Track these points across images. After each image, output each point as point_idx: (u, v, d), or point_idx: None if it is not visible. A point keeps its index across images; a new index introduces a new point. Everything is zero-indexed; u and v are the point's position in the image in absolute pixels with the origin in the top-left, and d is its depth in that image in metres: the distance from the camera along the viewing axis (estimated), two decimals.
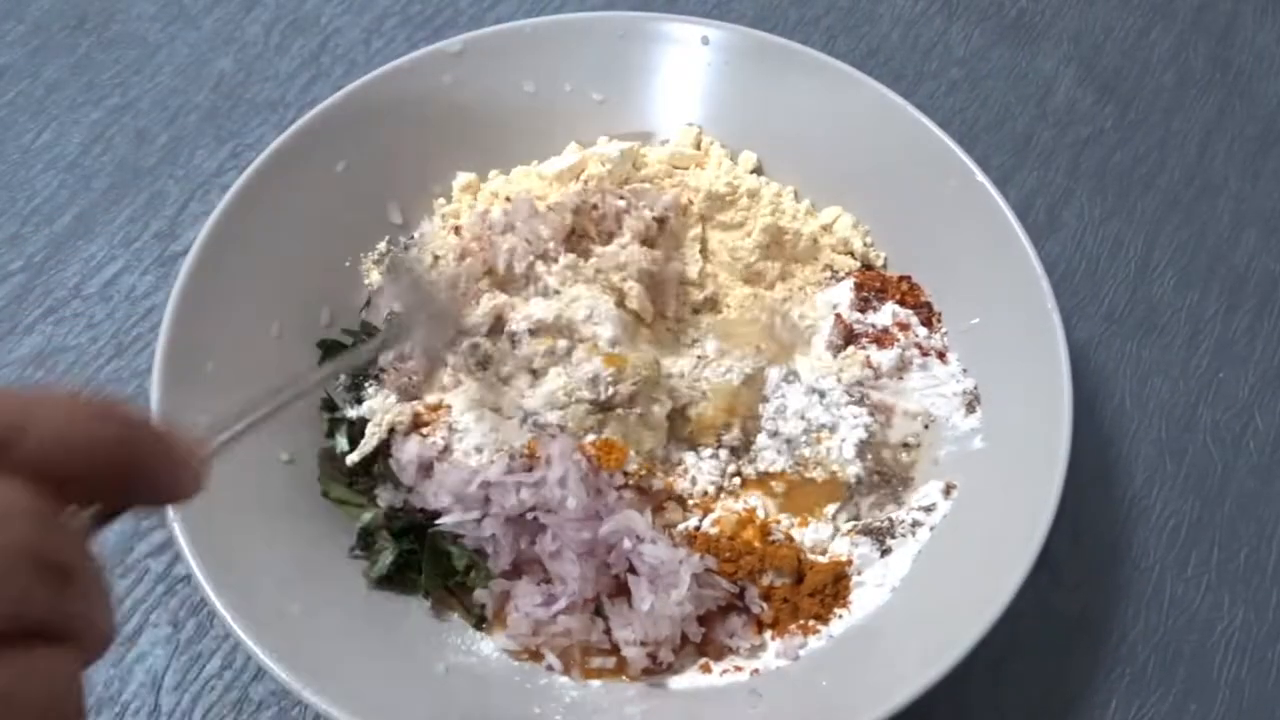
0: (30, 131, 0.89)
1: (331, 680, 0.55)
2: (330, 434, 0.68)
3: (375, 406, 0.68)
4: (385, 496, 0.65)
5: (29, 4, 0.97)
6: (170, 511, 0.59)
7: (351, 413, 0.68)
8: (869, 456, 0.68)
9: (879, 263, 0.78)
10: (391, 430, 0.66)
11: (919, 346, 0.73)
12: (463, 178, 0.78)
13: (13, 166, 0.87)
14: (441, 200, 0.78)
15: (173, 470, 0.29)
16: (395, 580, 0.64)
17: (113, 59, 0.94)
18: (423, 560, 0.63)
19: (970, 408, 0.70)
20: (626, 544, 0.60)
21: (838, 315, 0.73)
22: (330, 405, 0.70)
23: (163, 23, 0.96)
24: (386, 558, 0.63)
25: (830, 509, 0.67)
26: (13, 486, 0.25)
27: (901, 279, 0.76)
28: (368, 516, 0.65)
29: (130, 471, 0.28)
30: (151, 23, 0.96)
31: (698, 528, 0.64)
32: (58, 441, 0.26)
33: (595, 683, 0.61)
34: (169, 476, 0.29)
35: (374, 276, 0.75)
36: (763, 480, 0.68)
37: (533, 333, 0.67)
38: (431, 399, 0.68)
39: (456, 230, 0.75)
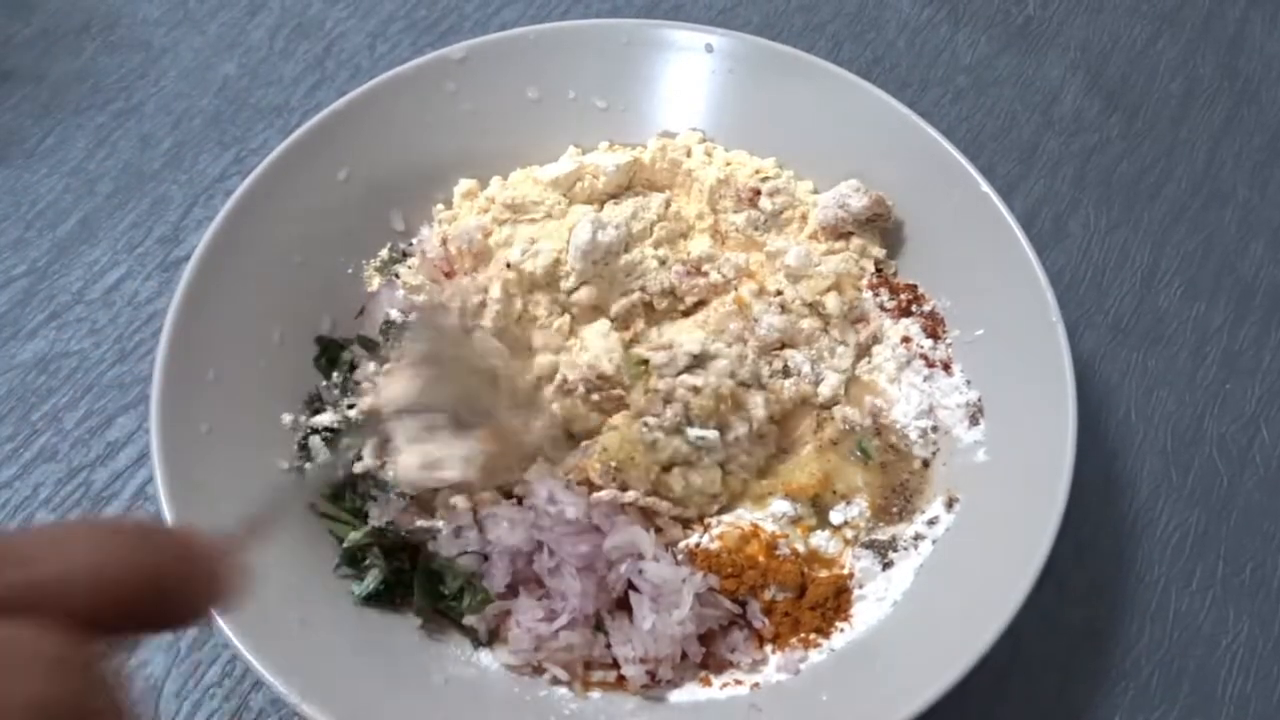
0: (35, 135, 0.89)
1: (330, 691, 0.55)
2: (303, 444, 0.67)
3: (331, 419, 0.67)
4: (375, 514, 0.65)
5: (35, 8, 0.97)
6: (168, 516, 0.59)
7: (323, 418, 0.68)
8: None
9: (889, 270, 0.77)
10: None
11: (924, 358, 0.72)
12: (464, 184, 0.78)
13: (17, 170, 0.87)
14: (440, 206, 0.78)
15: (201, 591, 0.28)
16: (383, 598, 0.63)
17: (117, 63, 0.94)
18: (415, 581, 0.62)
19: (974, 420, 0.69)
20: (625, 565, 0.60)
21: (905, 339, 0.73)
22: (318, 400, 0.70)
23: (167, 27, 0.96)
24: (375, 576, 0.62)
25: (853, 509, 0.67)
26: (34, 630, 0.24)
27: (907, 287, 0.76)
28: (355, 535, 0.63)
29: (159, 598, 0.27)
30: (156, 27, 0.96)
31: (698, 544, 0.64)
32: (86, 577, 0.26)
33: (595, 695, 0.61)
34: (198, 598, 0.29)
35: (375, 283, 0.75)
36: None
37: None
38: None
39: (444, 241, 0.75)
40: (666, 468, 0.65)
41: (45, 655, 0.24)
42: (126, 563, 0.27)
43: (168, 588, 0.27)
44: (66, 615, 0.25)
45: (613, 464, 0.63)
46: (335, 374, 0.70)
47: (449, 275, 0.73)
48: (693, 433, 0.64)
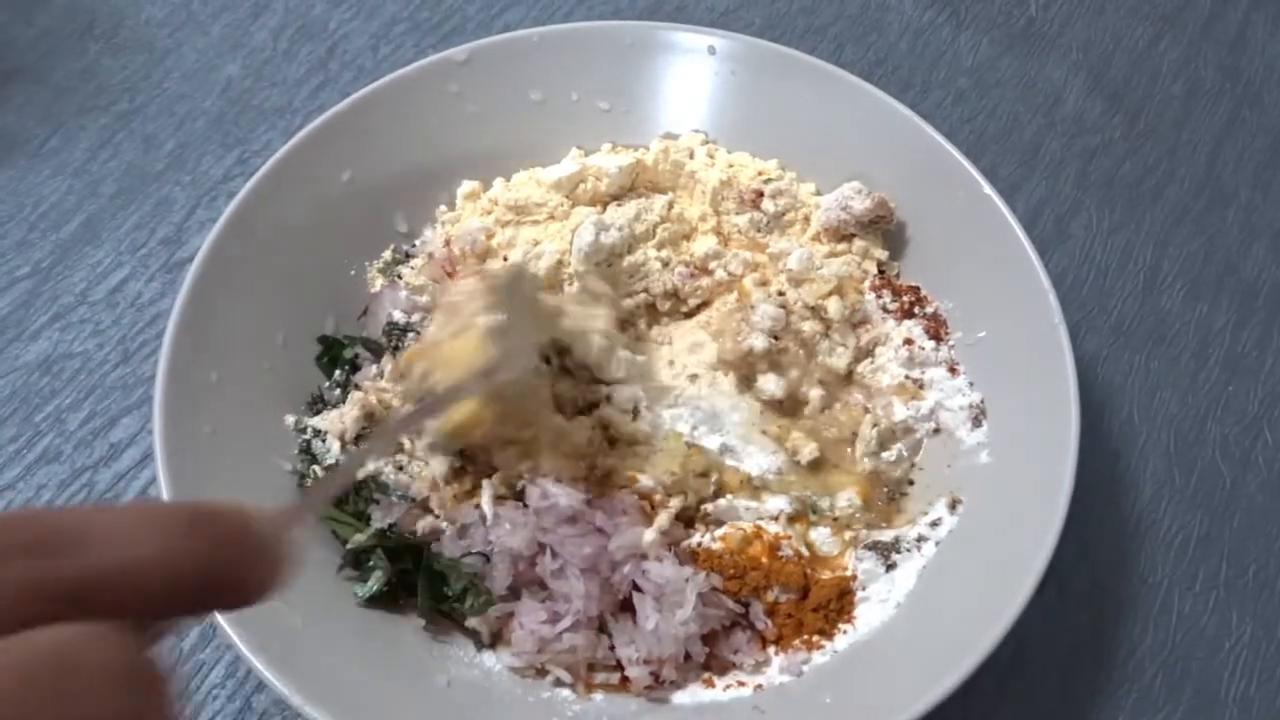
0: (38, 137, 0.89)
1: (333, 693, 0.55)
2: (306, 446, 0.67)
3: (332, 419, 0.67)
4: (378, 517, 0.64)
5: (38, 8, 0.97)
6: None
7: (312, 420, 0.68)
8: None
9: (891, 272, 0.77)
10: (357, 439, 0.66)
11: (927, 359, 0.72)
12: (467, 185, 0.78)
13: (21, 172, 0.87)
14: (443, 207, 0.78)
15: (259, 574, 0.27)
16: (386, 600, 0.62)
17: (121, 64, 0.94)
18: (418, 582, 0.62)
19: (977, 421, 0.69)
20: (628, 566, 0.60)
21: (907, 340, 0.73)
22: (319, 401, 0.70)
23: (171, 28, 0.96)
24: (378, 578, 0.62)
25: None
26: (98, 634, 0.23)
27: (909, 289, 0.76)
28: (359, 538, 0.63)
29: (219, 583, 0.26)
30: (160, 28, 0.96)
31: (700, 544, 0.64)
32: (146, 568, 0.25)
33: (598, 696, 0.61)
34: (256, 581, 0.27)
35: (378, 285, 0.75)
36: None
37: None
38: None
39: (447, 242, 0.75)
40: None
41: (114, 666, 0.23)
42: (186, 550, 0.25)
43: (227, 573, 0.26)
44: (126, 609, 0.24)
45: (668, 478, 0.64)
46: (337, 373, 0.70)
47: (452, 276, 0.73)
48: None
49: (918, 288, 0.75)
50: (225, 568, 0.26)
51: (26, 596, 0.23)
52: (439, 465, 0.65)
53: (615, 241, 0.71)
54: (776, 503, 0.66)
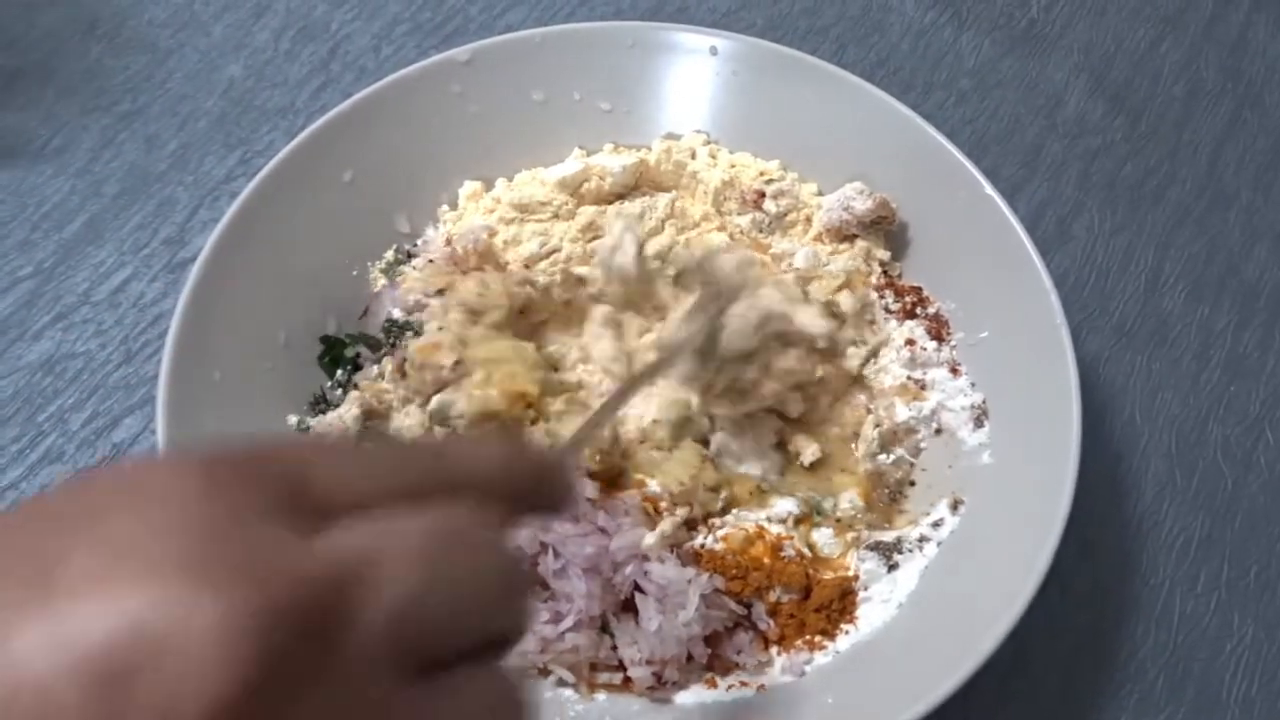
0: (41, 137, 0.89)
1: None
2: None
3: (331, 420, 0.67)
4: None
5: (40, 9, 0.97)
6: None
7: (312, 422, 0.68)
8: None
9: (895, 273, 0.77)
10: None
11: (929, 360, 0.72)
12: (469, 186, 0.78)
13: (23, 172, 0.87)
14: (445, 207, 0.79)
15: (562, 493, 0.36)
16: None
17: (123, 65, 0.94)
18: None
19: (979, 422, 0.69)
20: (631, 567, 0.60)
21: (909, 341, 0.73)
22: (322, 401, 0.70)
23: (173, 29, 0.97)
24: None
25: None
26: (471, 511, 0.30)
27: (911, 290, 0.76)
28: None
29: (543, 491, 0.35)
30: (162, 29, 0.97)
31: (703, 545, 0.64)
32: (498, 473, 0.33)
33: (601, 696, 0.61)
34: (560, 498, 0.36)
35: (379, 285, 0.75)
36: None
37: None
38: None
39: (448, 241, 0.75)
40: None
41: (492, 531, 0.30)
42: (520, 464, 0.34)
43: (548, 485, 0.35)
44: (484, 501, 0.31)
45: (676, 488, 0.64)
46: (339, 372, 0.70)
47: (465, 275, 0.73)
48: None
49: (920, 288, 0.76)
50: (548, 480, 0.35)
51: (421, 486, 0.30)
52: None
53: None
54: (784, 505, 0.66)
